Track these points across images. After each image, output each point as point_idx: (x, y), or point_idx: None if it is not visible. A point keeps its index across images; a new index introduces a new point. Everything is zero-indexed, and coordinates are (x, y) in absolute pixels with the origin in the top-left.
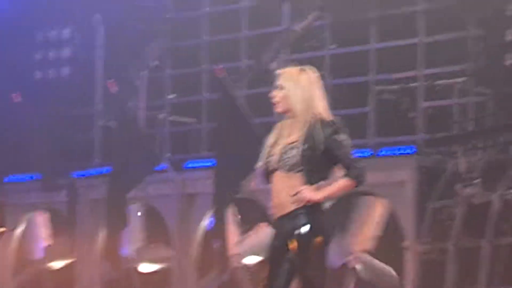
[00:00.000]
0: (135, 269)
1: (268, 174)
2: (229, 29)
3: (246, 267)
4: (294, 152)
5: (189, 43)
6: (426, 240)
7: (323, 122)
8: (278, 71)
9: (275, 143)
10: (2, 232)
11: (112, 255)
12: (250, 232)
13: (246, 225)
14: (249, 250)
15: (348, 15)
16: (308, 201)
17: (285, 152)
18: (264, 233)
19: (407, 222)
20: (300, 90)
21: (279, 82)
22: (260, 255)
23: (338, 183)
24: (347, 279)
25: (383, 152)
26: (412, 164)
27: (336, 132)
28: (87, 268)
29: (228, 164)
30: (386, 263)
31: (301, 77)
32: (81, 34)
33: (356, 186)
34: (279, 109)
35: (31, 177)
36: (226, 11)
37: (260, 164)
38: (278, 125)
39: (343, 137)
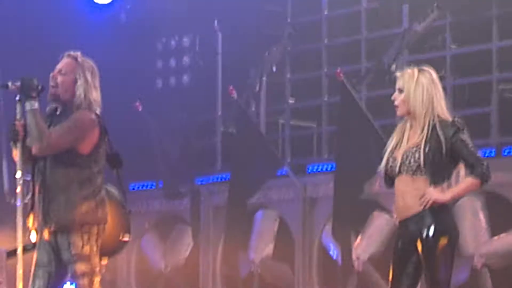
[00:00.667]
0: (258, 274)
1: (390, 177)
2: (349, 32)
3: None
4: (417, 155)
5: (308, 47)
6: None
7: (444, 123)
8: (398, 74)
9: (397, 146)
10: (127, 241)
11: (233, 259)
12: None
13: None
14: (368, 247)
15: (468, 14)
16: (435, 202)
17: (408, 156)
18: (379, 222)
19: None
20: (420, 92)
21: (399, 85)
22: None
23: (465, 182)
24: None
25: (507, 151)
26: None
27: (458, 131)
28: (210, 274)
29: (350, 167)
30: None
31: (420, 79)
32: (201, 42)
33: (482, 185)
34: (399, 112)
35: (155, 185)
36: (345, 13)
37: (382, 167)
38: (399, 127)
39: (465, 136)
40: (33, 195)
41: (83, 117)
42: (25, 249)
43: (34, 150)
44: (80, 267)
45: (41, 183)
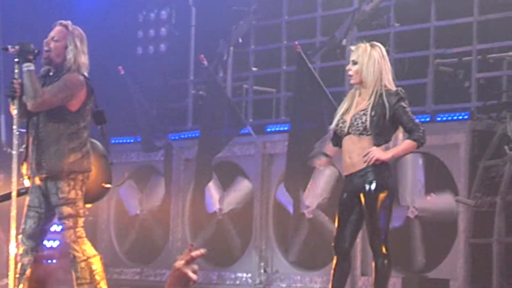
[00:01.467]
0: (219, 220)
1: (339, 137)
2: (306, 9)
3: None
4: (363, 118)
5: (271, 22)
6: (477, 195)
7: (389, 92)
8: (351, 47)
9: (346, 110)
10: (108, 188)
11: (199, 206)
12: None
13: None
14: (317, 197)
15: None
16: (377, 160)
17: (356, 119)
18: (326, 172)
19: (461, 179)
20: (372, 65)
21: (353, 57)
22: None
23: (404, 144)
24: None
25: (440, 118)
26: (466, 128)
27: (400, 100)
28: (180, 218)
29: (304, 128)
30: (442, 214)
31: (372, 53)
32: (177, 15)
33: (418, 147)
34: (353, 81)
35: (133, 139)
36: None
37: (332, 127)
38: (350, 94)
39: (406, 104)
40: (27, 146)
41: (72, 78)
42: (19, 193)
43: (29, 106)
44: (66, 209)
45: (34, 136)
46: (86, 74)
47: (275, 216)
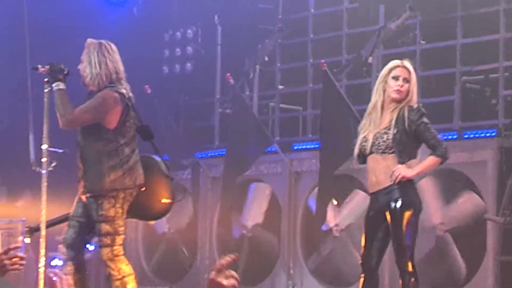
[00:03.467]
0: (248, 238)
1: (363, 155)
2: (332, 28)
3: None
4: (385, 136)
5: (296, 40)
6: (506, 212)
7: (410, 109)
8: (399, 63)
9: (369, 128)
10: (170, 204)
11: (227, 224)
12: (346, 202)
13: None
14: (346, 217)
15: (436, 14)
16: (403, 178)
17: (377, 138)
18: (358, 198)
19: (489, 197)
20: (416, 85)
21: (405, 75)
22: (356, 219)
23: (427, 160)
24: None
25: (467, 135)
26: (493, 145)
27: (422, 116)
28: (207, 236)
29: (332, 145)
30: (470, 233)
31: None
32: (203, 34)
33: (442, 163)
34: (399, 96)
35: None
36: (329, 12)
37: (356, 146)
38: (370, 110)
39: (427, 120)
40: (77, 165)
41: (105, 95)
42: (65, 219)
43: (60, 125)
44: (105, 226)
45: (80, 155)
46: (124, 87)
47: (302, 234)
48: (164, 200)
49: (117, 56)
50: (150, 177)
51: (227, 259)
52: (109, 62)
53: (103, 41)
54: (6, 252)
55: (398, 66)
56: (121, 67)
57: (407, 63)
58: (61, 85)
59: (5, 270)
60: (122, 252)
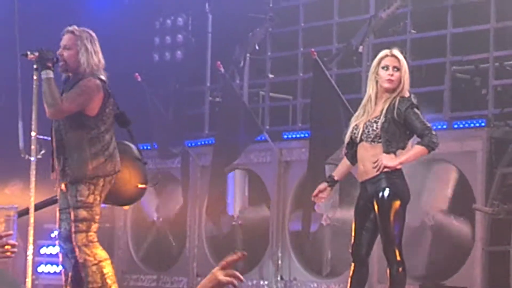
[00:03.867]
0: (238, 226)
1: (354, 144)
2: (322, 17)
3: (333, 223)
4: (374, 125)
5: (287, 29)
6: (494, 203)
7: (401, 99)
8: (389, 52)
9: (361, 117)
10: (144, 188)
11: (215, 214)
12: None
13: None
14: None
15: (426, 3)
16: (386, 167)
17: (367, 126)
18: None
19: (478, 187)
20: (407, 73)
21: (395, 63)
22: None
23: (413, 149)
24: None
25: (457, 125)
26: (483, 136)
27: (411, 105)
28: (196, 224)
29: (322, 134)
30: (460, 222)
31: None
32: (193, 22)
33: (429, 152)
34: (391, 85)
35: (150, 146)
36: (320, 0)
37: (347, 134)
38: (364, 100)
39: (417, 110)
40: (52, 153)
41: (88, 83)
42: (53, 201)
43: (47, 114)
44: (82, 212)
45: (58, 143)
46: (103, 75)
47: (291, 222)
48: (140, 185)
49: (99, 46)
50: (123, 162)
51: (233, 257)
52: (98, 52)
53: (89, 31)
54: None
55: (387, 55)
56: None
57: (396, 52)
58: (50, 74)
59: None
60: (96, 239)
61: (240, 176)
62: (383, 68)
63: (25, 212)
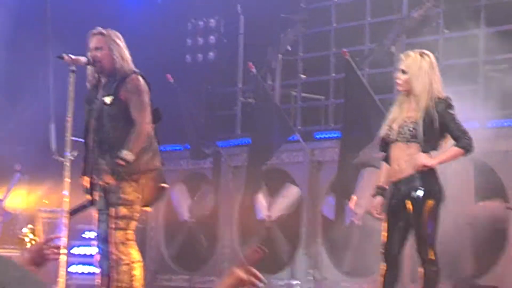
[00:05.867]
0: (268, 228)
1: (386, 143)
2: (354, 17)
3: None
4: (411, 125)
5: (319, 29)
6: None
7: (438, 100)
8: (401, 55)
9: (395, 117)
10: (166, 188)
11: (248, 214)
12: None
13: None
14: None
15: (459, 3)
16: (424, 166)
17: (403, 126)
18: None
19: (511, 186)
20: (422, 76)
21: (403, 66)
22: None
23: (450, 151)
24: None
25: (490, 124)
26: None
27: (448, 107)
28: (228, 225)
29: (353, 134)
30: (493, 221)
31: (422, 63)
32: (226, 23)
33: (465, 155)
34: (401, 88)
35: (182, 147)
36: (352, 1)
37: (381, 133)
38: (398, 100)
39: (454, 111)
40: (85, 158)
41: (139, 83)
42: (84, 207)
43: (146, 136)
44: (123, 210)
45: (101, 143)
46: (137, 70)
47: (324, 221)
48: (162, 184)
49: None
50: None
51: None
52: (127, 48)
53: (114, 30)
54: (47, 241)
55: (401, 58)
56: None
57: (408, 54)
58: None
59: (46, 259)
60: (134, 238)
61: (292, 191)
62: (397, 70)
63: (78, 209)
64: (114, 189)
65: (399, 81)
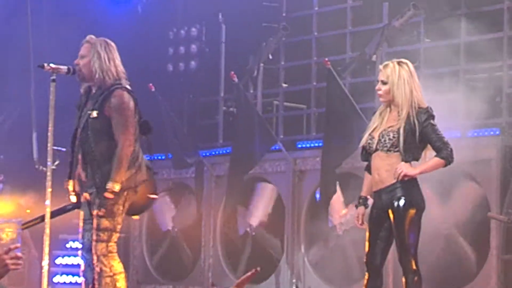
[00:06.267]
0: (252, 236)
1: (368, 153)
2: (336, 26)
3: (349, 234)
4: (391, 135)
5: (300, 38)
6: (509, 211)
7: (419, 109)
8: (380, 66)
9: (376, 126)
10: (155, 199)
11: (231, 223)
12: (352, 203)
13: (348, 197)
14: (351, 219)
15: (439, 12)
16: (405, 176)
17: (383, 135)
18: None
19: (492, 195)
20: (402, 85)
21: (383, 77)
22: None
23: (431, 161)
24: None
25: (471, 133)
26: (497, 144)
27: (429, 117)
28: (211, 234)
29: (335, 143)
30: (474, 230)
31: (401, 72)
32: (207, 32)
33: (446, 165)
34: (383, 100)
35: (164, 156)
36: (333, 10)
37: (361, 143)
38: (379, 110)
39: (434, 122)
40: (72, 163)
41: (123, 100)
42: (66, 209)
43: (129, 153)
44: (105, 222)
45: (85, 154)
46: (126, 83)
47: (306, 231)
48: (151, 195)
49: (118, 55)
50: None
51: (248, 274)
52: (115, 59)
53: (106, 39)
54: (7, 252)
55: (380, 69)
56: (121, 65)
57: (387, 64)
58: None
59: (7, 270)
60: (115, 249)
61: (267, 191)
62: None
63: (40, 220)
64: (96, 201)
65: (380, 92)
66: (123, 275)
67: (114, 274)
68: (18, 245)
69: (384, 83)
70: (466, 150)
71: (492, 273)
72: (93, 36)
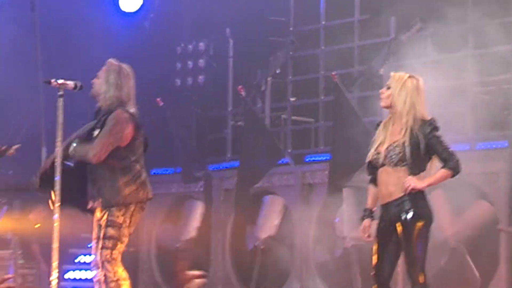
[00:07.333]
0: (261, 249)
1: (374, 167)
2: (343, 40)
3: (357, 248)
4: (397, 149)
5: (308, 52)
6: None
7: (422, 122)
8: (391, 73)
9: (381, 141)
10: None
11: (240, 235)
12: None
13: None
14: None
15: (446, 25)
16: (413, 189)
17: (389, 151)
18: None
19: (501, 207)
20: (403, 94)
21: (389, 82)
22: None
23: (438, 173)
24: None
25: (479, 146)
26: (505, 157)
27: (434, 129)
28: (219, 248)
29: (343, 157)
30: (484, 243)
31: (406, 83)
32: (215, 47)
33: (453, 176)
34: (383, 103)
35: (173, 171)
36: (340, 24)
37: (368, 159)
38: (382, 124)
39: (439, 133)
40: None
41: (116, 117)
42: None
43: (92, 162)
44: (111, 231)
45: (89, 172)
46: (132, 108)
47: (316, 243)
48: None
49: (132, 82)
50: None
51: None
52: (124, 86)
53: (123, 65)
54: (1, 282)
55: (389, 76)
56: (133, 92)
57: (397, 73)
58: (75, 142)
59: None
60: (119, 258)
61: (274, 203)
62: None
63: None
64: (104, 214)
65: (381, 96)
66: (127, 282)
67: (118, 280)
68: (11, 276)
69: (388, 87)
70: (475, 162)
71: (502, 284)
72: (113, 60)
